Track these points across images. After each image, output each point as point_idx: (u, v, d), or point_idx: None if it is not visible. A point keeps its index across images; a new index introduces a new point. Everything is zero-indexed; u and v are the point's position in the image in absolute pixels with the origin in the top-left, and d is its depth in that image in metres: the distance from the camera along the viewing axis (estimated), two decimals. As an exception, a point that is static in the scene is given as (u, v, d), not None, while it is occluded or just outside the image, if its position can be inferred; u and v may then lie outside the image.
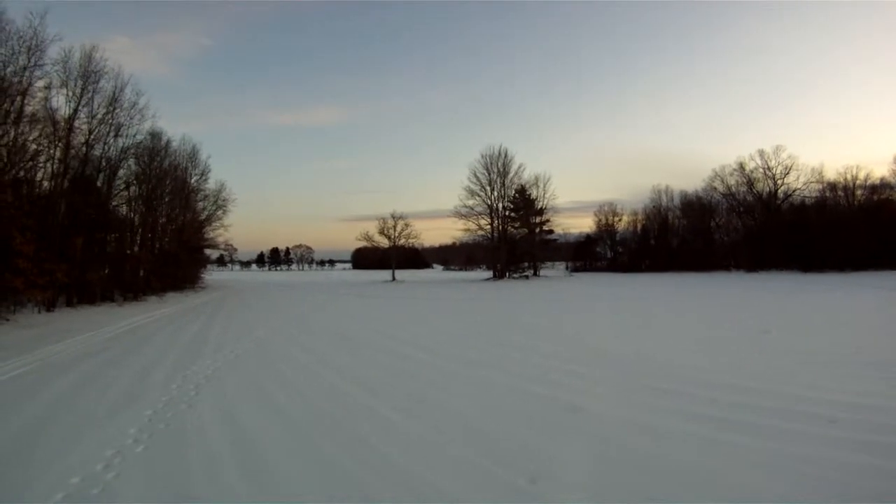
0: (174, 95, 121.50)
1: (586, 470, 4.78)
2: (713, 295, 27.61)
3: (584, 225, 79.54)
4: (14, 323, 16.83)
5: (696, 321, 16.44)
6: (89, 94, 25.11)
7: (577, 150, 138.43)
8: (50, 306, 21.06)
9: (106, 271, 27.50)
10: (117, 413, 6.98)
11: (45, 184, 23.70)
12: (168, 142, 37.70)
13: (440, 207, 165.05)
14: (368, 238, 70.85)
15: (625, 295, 29.39)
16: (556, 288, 39.97)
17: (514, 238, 63.51)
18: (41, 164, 23.53)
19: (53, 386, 8.61)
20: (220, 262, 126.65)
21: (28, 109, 21.66)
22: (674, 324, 15.87)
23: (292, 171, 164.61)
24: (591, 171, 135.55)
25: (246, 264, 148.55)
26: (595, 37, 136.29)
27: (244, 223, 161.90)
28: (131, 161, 31.50)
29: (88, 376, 9.40)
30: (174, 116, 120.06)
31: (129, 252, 31.45)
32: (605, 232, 75.16)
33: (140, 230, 34.50)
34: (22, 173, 22.59)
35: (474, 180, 62.11)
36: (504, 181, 62.33)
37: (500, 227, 62.91)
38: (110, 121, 26.62)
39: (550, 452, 5.20)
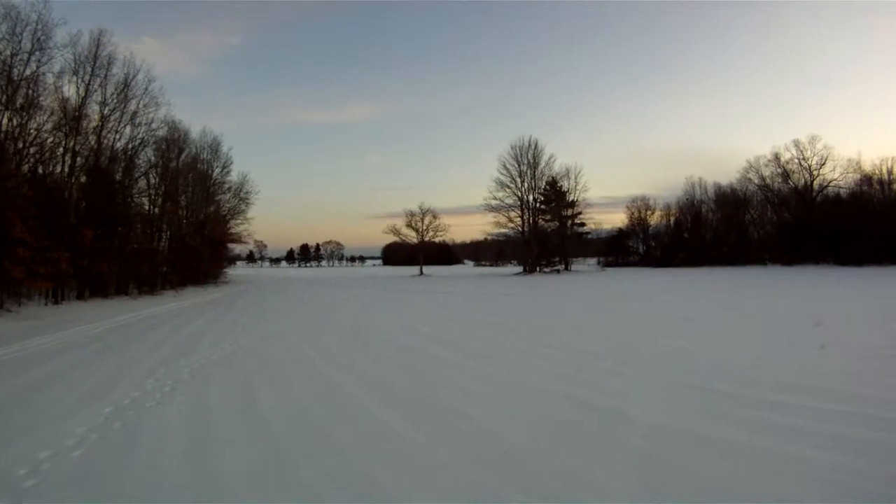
0: (203, 94, 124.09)
1: (629, 496, 3.72)
2: (753, 288, 26.31)
3: (615, 220, 78.23)
4: (15, 315, 16.64)
5: (741, 316, 15.03)
6: (100, 79, 25.07)
7: (608, 145, 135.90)
8: (58, 298, 20.92)
9: (122, 265, 27.31)
10: (74, 410, 6.27)
11: (57, 172, 23.56)
12: (187, 132, 37.77)
13: (471, 203, 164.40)
14: (396, 231, 70.35)
15: (661, 288, 28.13)
16: (588, 282, 38.60)
17: (545, 231, 62.28)
18: (54, 154, 23.46)
19: (18, 380, 8.04)
20: (250, 258, 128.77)
21: (36, 97, 21.55)
22: (716, 319, 14.49)
23: (323, 168, 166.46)
24: (623, 166, 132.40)
25: (276, 261, 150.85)
26: (623, 33, 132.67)
27: (275, 220, 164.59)
28: (150, 151, 31.50)
29: (62, 370, 8.85)
30: (203, 115, 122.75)
31: (144, 244, 31.39)
32: (638, 226, 73.99)
33: (159, 223, 34.45)
34: (40, 168, 22.59)
35: (504, 172, 61.23)
36: (534, 172, 61.26)
37: (531, 220, 61.68)
38: (123, 108, 26.52)
39: (584, 473, 4.13)
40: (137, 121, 27.93)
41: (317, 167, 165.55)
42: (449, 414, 5.85)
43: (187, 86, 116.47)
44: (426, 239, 70.70)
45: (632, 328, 12.83)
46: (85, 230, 22.19)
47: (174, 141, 35.08)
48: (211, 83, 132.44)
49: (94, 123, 25.37)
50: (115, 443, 5.12)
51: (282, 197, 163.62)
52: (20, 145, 20.83)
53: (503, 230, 63.71)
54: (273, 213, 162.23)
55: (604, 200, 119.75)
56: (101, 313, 18.07)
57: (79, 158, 24.38)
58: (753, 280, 33.21)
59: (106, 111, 25.76)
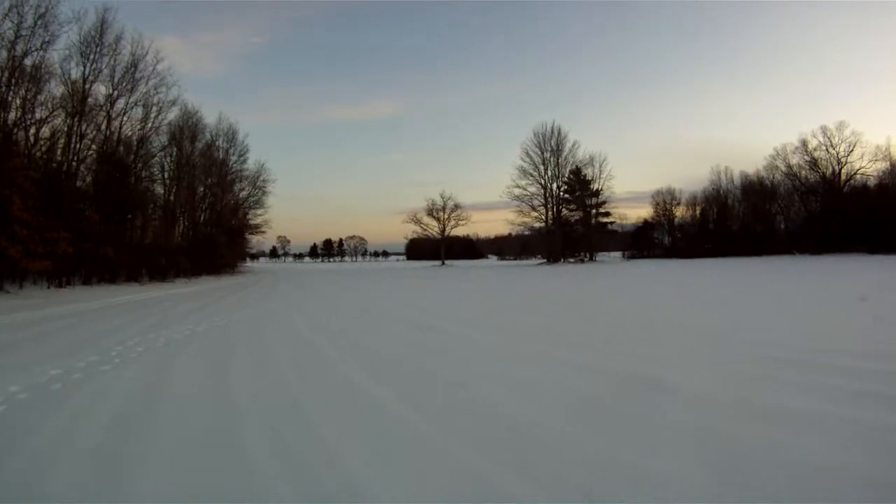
0: (226, 93, 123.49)
1: (677, 484, 2.82)
2: (786, 273, 25.05)
3: (640, 215, 76.66)
4: (13, 295, 16.48)
5: (779, 295, 14.08)
6: (107, 59, 24.84)
7: (633, 141, 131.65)
8: (62, 283, 20.80)
9: (134, 256, 27.12)
10: (19, 371, 5.78)
11: (64, 155, 23.48)
12: (198, 114, 37.40)
13: (495, 199, 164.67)
14: (417, 220, 69.46)
15: (691, 275, 26.76)
16: (613, 269, 37.50)
17: (569, 221, 61.33)
18: (68, 139, 23.40)
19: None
20: (273, 253, 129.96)
21: (45, 74, 21.49)
22: (756, 298, 13.50)
23: (348, 164, 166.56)
24: (648, 161, 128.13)
25: (299, 256, 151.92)
26: (647, 26, 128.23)
27: (299, 216, 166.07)
28: (163, 137, 31.37)
29: (31, 337, 8.49)
30: (227, 113, 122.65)
31: (160, 231, 31.36)
32: (663, 217, 72.55)
33: (173, 210, 34.40)
34: (57, 154, 22.53)
35: (526, 159, 60.18)
36: (558, 160, 60.08)
37: (555, 210, 60.60)
38: (132, 89, 26.33)
39: (617, 455, 3.16)
40: (147, 102, 27.82)
41: (341, 164, 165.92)
42: (455, 395, 4.77)
43: (210, 84, 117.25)
44: (448, 229, 69.98)
45: (662, 306, 11.91)
46: (91, 212, 22.05)
47: (188, 126, 35.00)
48: (234, 81, 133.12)
49: (102, 105, 25.24)
50: (42, 403, 4.55)
51: (305, 193, 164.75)
52: (28, 121, 20.79)
53: (526, 220, 62.74)
54: (296, 209, 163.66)
55: (628, 196, 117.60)
56: (102, 295, 17.84)
57: (87, 141, 24.30)
58: (785, 267, 31.68)
59: (114, 93, 25.64)
